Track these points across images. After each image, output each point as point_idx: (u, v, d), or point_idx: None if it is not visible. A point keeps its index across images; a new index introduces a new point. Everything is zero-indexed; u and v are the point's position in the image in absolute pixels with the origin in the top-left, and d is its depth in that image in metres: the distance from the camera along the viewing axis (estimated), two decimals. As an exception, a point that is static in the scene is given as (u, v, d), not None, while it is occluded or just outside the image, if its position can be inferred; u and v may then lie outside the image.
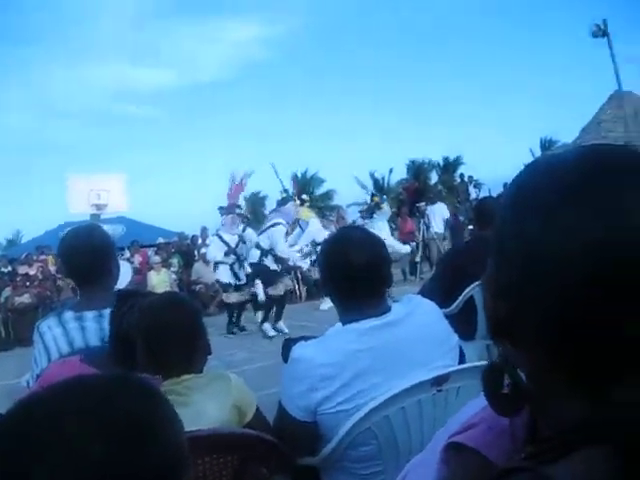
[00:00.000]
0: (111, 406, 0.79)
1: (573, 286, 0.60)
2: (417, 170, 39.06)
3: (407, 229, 16.78)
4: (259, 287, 10.21)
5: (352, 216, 14.58)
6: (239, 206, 11.36)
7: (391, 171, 39.18)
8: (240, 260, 10.26)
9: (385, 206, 13.30)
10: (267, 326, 9.82)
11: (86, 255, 2.48)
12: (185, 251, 16.49)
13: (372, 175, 37.28)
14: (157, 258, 14.70)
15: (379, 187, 36.56)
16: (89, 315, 2.39)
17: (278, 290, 9.76)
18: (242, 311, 10.83)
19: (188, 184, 69.76)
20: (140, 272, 14.32)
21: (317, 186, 39.79)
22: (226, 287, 10.52)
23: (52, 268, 14.97)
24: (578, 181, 0.63)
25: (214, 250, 10.57)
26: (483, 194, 17.83)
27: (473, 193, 19.89)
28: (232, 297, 10.47)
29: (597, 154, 0.68)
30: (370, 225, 11.74)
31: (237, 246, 10.25)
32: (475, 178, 21.07)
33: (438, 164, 39.25)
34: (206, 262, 13.89)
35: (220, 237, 10.42)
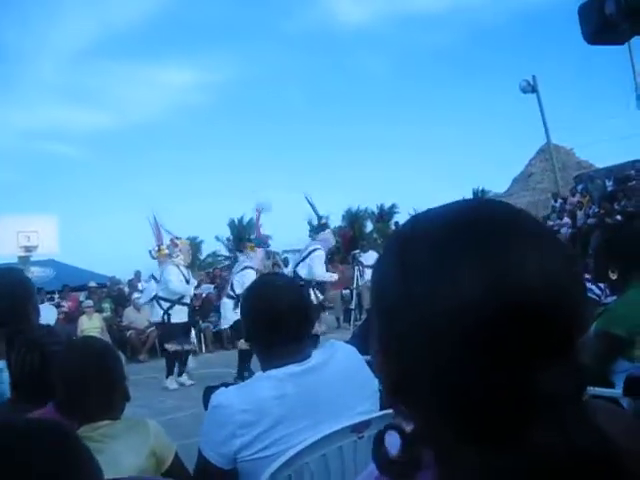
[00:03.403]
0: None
1: (458, 345, 0.61)
2: (352, 218, 39.43)
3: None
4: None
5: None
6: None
7: (327, 219, 39.44)
8: None
9: None
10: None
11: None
12: (116, 296, 16.13)
13: (310, 223, 37.37)
14: (89, 302, 14.26)
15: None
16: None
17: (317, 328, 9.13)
18: None
19: (120, 227, 68.48)
20: (70, 317, 13.93)
21: (253, 232, 39.65)
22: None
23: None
24: (458, 242, 0.64)
25: None
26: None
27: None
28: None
29: (476, 213, 0.69)
30: None
31: None
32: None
33: (373, 212, 39.70)
34: (137, 308, 13.58)
35: (256, 271, 9.47)
